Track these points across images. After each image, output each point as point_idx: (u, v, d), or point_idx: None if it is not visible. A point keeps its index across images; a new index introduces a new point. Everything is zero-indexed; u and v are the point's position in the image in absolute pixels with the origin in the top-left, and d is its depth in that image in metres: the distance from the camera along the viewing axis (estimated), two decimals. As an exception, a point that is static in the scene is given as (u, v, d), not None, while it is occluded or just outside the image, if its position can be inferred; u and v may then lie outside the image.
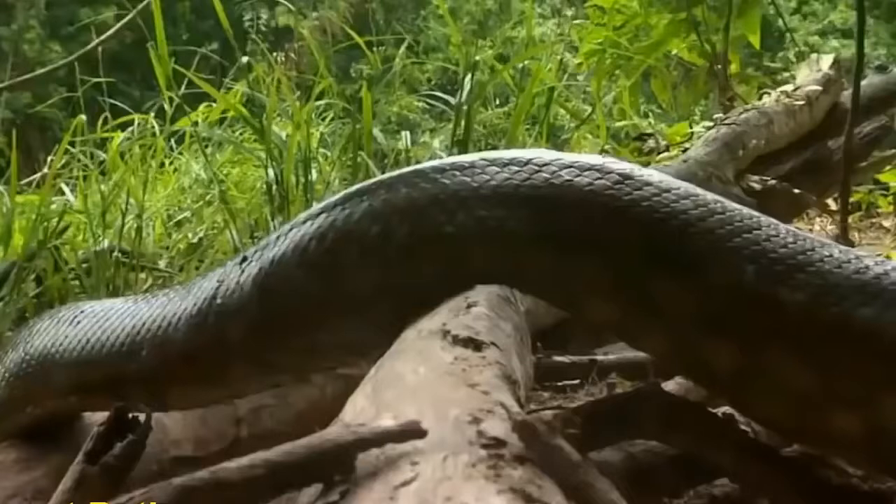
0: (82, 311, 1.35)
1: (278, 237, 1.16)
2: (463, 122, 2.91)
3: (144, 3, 3.94)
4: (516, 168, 1.07)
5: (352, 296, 1.09)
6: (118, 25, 4.85)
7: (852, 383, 0.95)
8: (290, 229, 1.15)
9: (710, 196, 1.04)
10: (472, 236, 1.04)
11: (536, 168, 1.06)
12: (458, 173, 1.08)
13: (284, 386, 1.39)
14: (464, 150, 2.78)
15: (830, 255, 0.99)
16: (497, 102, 4.29)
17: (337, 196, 1.15)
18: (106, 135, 3.33)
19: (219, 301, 1.16)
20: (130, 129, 3.40)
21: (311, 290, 1.11)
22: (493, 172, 1.07)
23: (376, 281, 1.08)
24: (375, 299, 1.09)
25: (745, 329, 0.98)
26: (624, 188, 1.02)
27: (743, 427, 1.25)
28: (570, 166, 1.05)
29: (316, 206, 1.17)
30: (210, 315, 1.16)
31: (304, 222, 1.14)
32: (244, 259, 1.18)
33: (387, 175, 1.16)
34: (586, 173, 1.04)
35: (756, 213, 1.05)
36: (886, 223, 4.41)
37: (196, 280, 1.27)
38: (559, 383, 2.13)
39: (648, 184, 1.03)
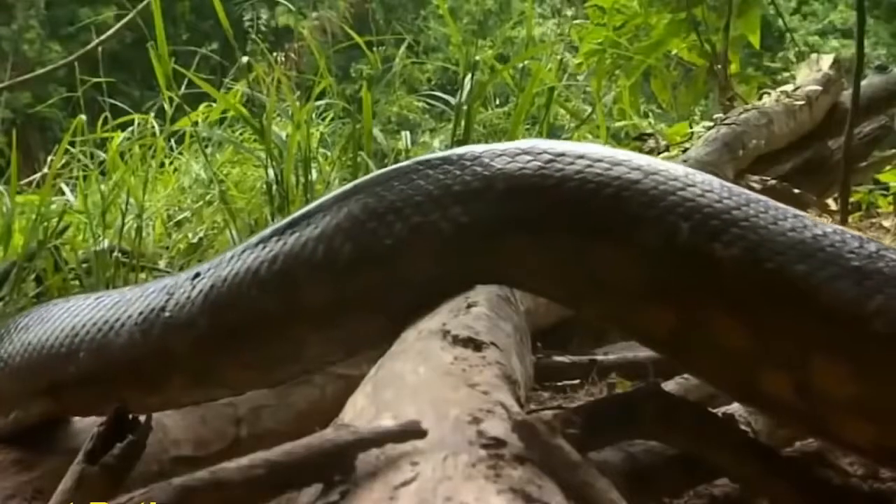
0: (38, 312, 1.37)
1: (231, 257, 1.18)
2: (463, 122, 2.91)
3: (144, 3, 3.95)
4: (449, 167, 1.08)
5: (305, 313, 1.12)
6: (118, 25, 4.85)
7: (785, 343, 0.94)
8: (244, 251, 1.17)
9: (643, 160, 1.05)
10: (411, 244, 1.06)
11: (468, 163, 1.07)
12: (396, 183, 1.10)
13: (233, 396, 1.40)
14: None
15: (766, 211, 0.98)
16: (497, 102, 4.29)
17: (285, 220, 1.18)
18: (106, 135, 3.33)
19: (167, 314, 1.18)
20: (130, 129, 3.40)
21: (264, 308, 1.13)
22: (427, 176, 1.08)
23: (328, 298, 1.10)
24: (328, 315, 1.11)
25: (682, 288, 0.98)
26: (556, 165, 1.03)
27: (743, 427, 1.25)
28: (502, 154, 1.07)
29: (267, 230, 1.20)
30: (157, 326, 1.19)
31: (257, 245, 1.16)
32: (197, 275, 1.20)
33: (330, 195, 1.18)
34: (518, 158, 1.05)
35: (691, 171, 1.05)
36: (886, 223, 4.40)
37: (147, 285, 1.28)
38: (559, 383, 2.13)
39: (581, 157, 1.04)
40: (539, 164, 1.04)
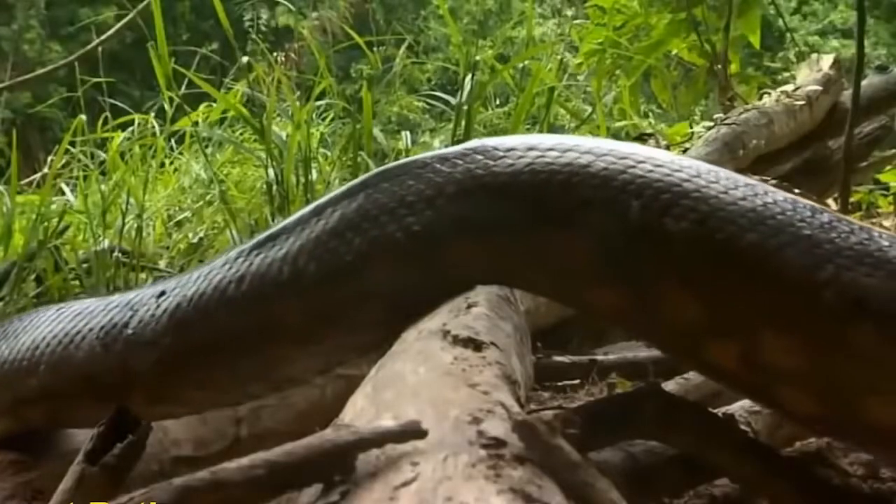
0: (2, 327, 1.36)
1: (198, 277, 1.18)
2: (463, 122, 2.91)
3: (144, 3, 3.94)
4: (403, 178, 1.09)
5: (276, 332, 1.12)
6: (118, 25, 4.85)
7: (735, 314, 0.94)
8: (210, 271, 1.17)
9: (592, 143, 1.05)
10: (369, 260, 1.07)
11: (419, 171, 1.08)
12: (347, 201, 1.11)
13: (193, 414, 1.40)
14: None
15: (717, 181, 0.97)
16: (497, 102, 4.29)
17: (252, 241, 1.19)
18: (106, 135, 3.33)
19: (130, 330, 1.18)
20: (130, 129, 3.40)
21: (233, 327, 1.14)
22: (385, 189, 1.09)
23: (300, 316, 1.10)
24: (302, 333, 1.11)
25: (635, 266, 0.98)
26: (506, 161, 1.04)
27: (743, 427, 1.25)
28: (451, 158, 1.07)
29: (232, 252, 1.20)
30: (119, 342, 1.18)
31: (223, 265, 1.17)
32: (162, 293, 1.20)
33: (292, 217, 1.18)
34: (468, 159, 1.06)
35: (638, 147, 1.05)
36: (886, 223, 4.40)
37: (110, 299, 1.27)
38: (559, 383, 2.13)
39: (531, 148, 1.04)
40: (490, 162, 1.04)
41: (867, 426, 0.94)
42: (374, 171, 1.17)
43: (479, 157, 1.06)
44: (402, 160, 1.15)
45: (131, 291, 1.30)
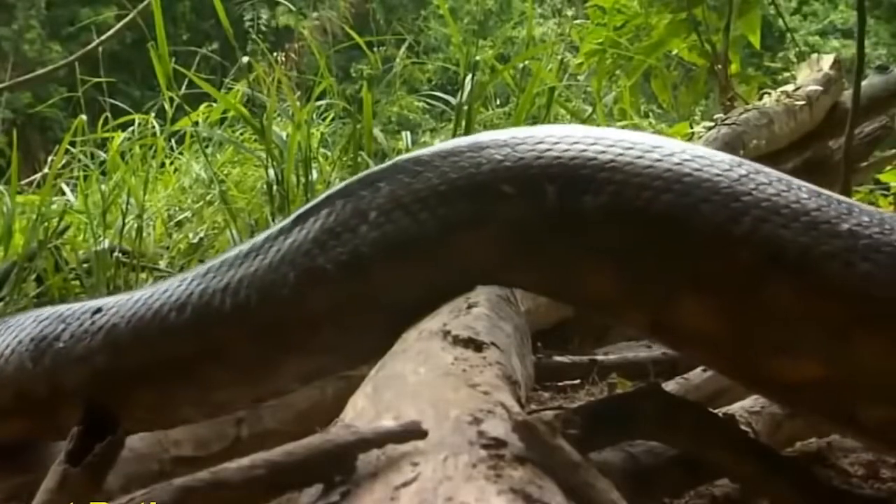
0: None
1: (137, 300, 1.17)
2: (463, 123, 2.91)
3: (145, 3, 3.94)
4: (327, 209, 1.09)
5: (215, 358, 1.12)
6: (119, 25, 4.85)
7: (652, 282, 0.94)
8: (151, 295, 1.17)
9: (506, 134, 1.04)
10: (302, 286, 1.08)
11: (346, 202, 1.08)
12: (283, 237, 1.11)
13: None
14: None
15: (631, 148, 0.96)
16: (497, 102, 4.29)
17: (195, 271, 1.19)
18: (106, 135, 3.33)
19: (60, 344, 1.17)
20: (131, 129, 3.40)
21: (171, 352, 1.14)
22: (327, 214, 1.09)
23: (240, 342, 1.11)
24: (240, 359, 1.12)
25: (553, 251, 0.98)
26: (425, 175, 1.04)
27: (743, 427, 1.25)
28: (369, 183, 1.08)
29: (175, 279, 1.20)
30: (48, 356, 1.18)
31: (164, 292, 1.16)
32: (98, 310, 1.19)
33: (245, 245, 1.18)
34: (390, 179, 1.07)
35: (554, 127, 1.05)
36: (887, 223, 4.39)
37: (41, 311, 1.26)
38: (559, 383, 2.13)
39: (450, 154, 1.04)
40: (408, 179, 1.05)
41: (777, 384, 0.94)
42: (302, 207, 1.17)
43: (400, 175, 1.06)
44: (327, 191, 1.16)
45: (62, 305, 1.28)
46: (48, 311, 1.25)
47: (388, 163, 1.12)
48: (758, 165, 0.97)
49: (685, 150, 0.95)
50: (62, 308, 1.24)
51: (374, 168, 1.15)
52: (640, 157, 0.94)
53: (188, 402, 1.18)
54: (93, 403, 1.04)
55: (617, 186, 0.93)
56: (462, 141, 1.09)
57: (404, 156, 1.12)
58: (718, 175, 0.92)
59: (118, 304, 1.19)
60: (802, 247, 0.87)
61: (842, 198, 0.94)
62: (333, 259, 1.05)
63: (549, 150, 0.98)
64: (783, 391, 0.96)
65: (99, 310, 1.19)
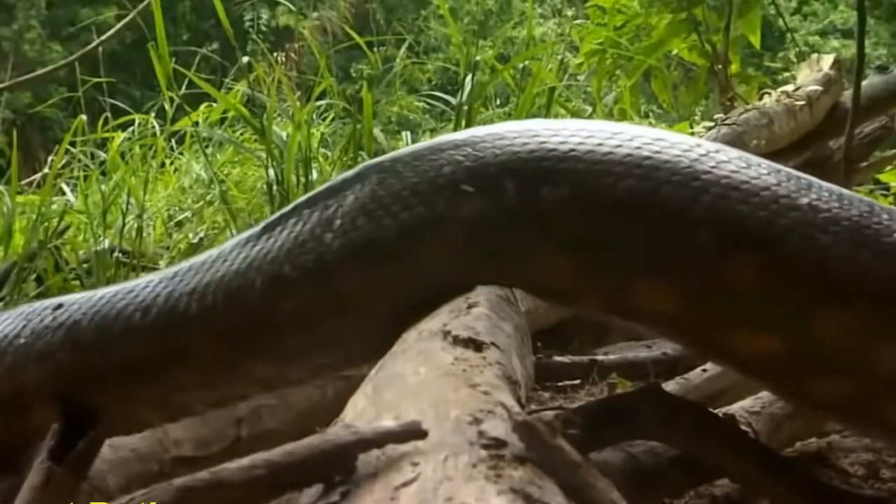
0: None
1: (101, 298, 1.16)
2: (463, 123, 2.91)
3: (145, 3, 3.95)
4: (294, 219, 1.09)
5: (179, 360, 1.12)
6: (119, 25, 4.85)
7: (610, 270, 0.94)
8: (115, 294, 1.16)
9: (464, 135, 1.04)
10: (274, 293, 1.07)
11: (333, 199, 1.08)
12: (250, 244, 1.11)
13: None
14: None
15: (591, 136, 0.96)
16: (498, 102, 4.29)
17: (162, 274, 1.18)
18: (106, 135, 3.33)
19: (22, 340, 1.16)
20: (131, 129, 3.40)
21: (133, 352, 1.13)
22: (294, 223, 1.09)
23: (204, 344, 1.10)
24: (204, 362, 1.11)
25: (517, 243, 0.98)
26: (389, 181, 1.04)
27: (743, 427, 1.25)
28: (334, 191, 1.08)
29: (141, 280, 1.19)
30: (8, 354, 1.17)
31: (129, 292, 1.15)
32: (59, 306, 1.18)
33: (214, 251, 1.18)
34: (356, 187, 1.06)
35: (513, 124, 1.04)
36: (887, 223, 4.39)
37: (5, 314, 1.25)
38: (560, 383, 2.14)
39: (411, 160, 1.04)
40: (372, 187, 1.05)
41: (733, 356, 0.94)
42: (270, 217, 1.17)
43: (365, 182, 1.06)
44: (295, 201, 1.15)
45: (26, 305, 1.27)
46: (8, 312, 1.24)
47: (354, 170, 1.12)
48: (718, 145, 0.97)
49: (645, 135, 0.96)
50: (24, 307, 1.23)
51: (340, 176, 1.14)
52: (600, 145, 0.94)
53: (148, 404, 1.17)
54: (69, 400, 1.03)
55: (578, 175, 0.93)
56: (423, 144, 1.09)
57: (369, 162, 1.12)
58: (678, 156, 0.92)
59: (80, 301, 1.18)
60: (762, 221, 0.88)
61: (801, 174, 0.94)
62: (300, 266, 1.05)
63: (508, 145, 0.98)
64: (739, 362, 0.97)
65: (60, 306, 1.18)
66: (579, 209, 0.94)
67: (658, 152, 0.92)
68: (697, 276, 0.90)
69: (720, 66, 3.60)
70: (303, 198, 1.15)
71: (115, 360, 1.14)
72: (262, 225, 1.14)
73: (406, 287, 1.02)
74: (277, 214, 1.14)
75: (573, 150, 0.95)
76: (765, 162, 0.94)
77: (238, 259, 1.10)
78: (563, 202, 0.94)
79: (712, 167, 0.91)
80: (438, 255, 1.01)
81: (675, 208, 0.89)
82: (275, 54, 5.10)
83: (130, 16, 4.42)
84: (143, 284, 1.16)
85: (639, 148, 0.93)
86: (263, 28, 8.62)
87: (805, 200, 0.89)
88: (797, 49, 5.62)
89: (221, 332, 1.10)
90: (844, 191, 0.93)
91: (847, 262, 0.86)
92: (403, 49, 3.82)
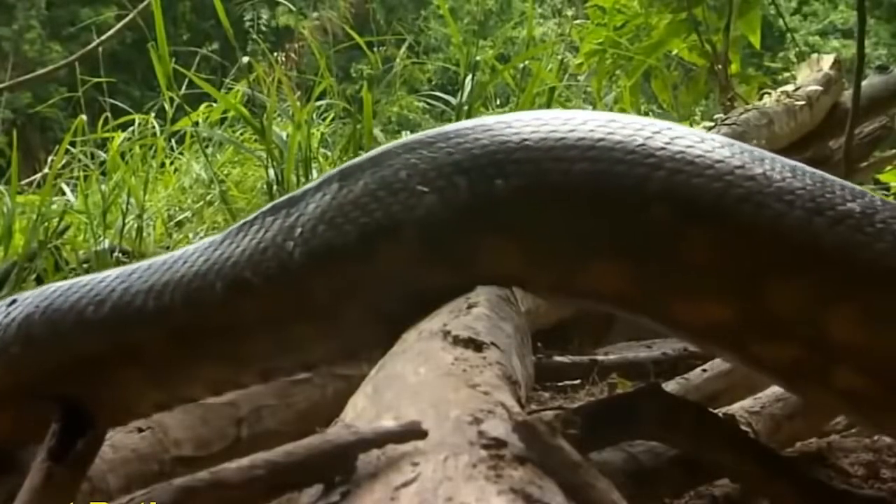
0: None
1: (54, 291, 1.16)
2: (463, 123, 2.91)
3: (145, 3, 3.95)
4: (275, 218, 1.08)
5: (134, 358, 1.11)
6: (119, 25, 4.85)
7: (560, 255, 0.94)
8: (69, 287, 1.15)
9: (421, 137, 1.04)
10: (233, 297, 1.06)
11: (295, 207, 1.07)
12: (211, 248, 1.10)
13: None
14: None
15: (546, 123, 0.96)
16: (498, 102, 4.29)
17: (119, 270, 1.17)
18: (106, 135, 3.34)
19: None
20: (131, 129, 3.41)
21: (86, 348, 1.12)
22: (256, 230, 1.08)
23: (159, 343, 1.09)
24: (158, 360, 1.10)
25: (469, 238, 0.98)
26: (348, 187, 1.04)
27: (743, 427, 1.25)
28: (297, 199, 1.08)
29: (98, 276, 1.18)
30: None
31: (84, 286, 1.14)
32: (13, 301, 1.18)
33: (176, 253, 1.17)
34: (323, 189, 1.06)
35: (469, 121, 1.04)
36: (887, 223, 4.39)
37: None
38: (560, 383, 2.14)
39: (376, 165, 1.04)
40: (340, 190, 1.04)
41: (682, 326, 0.95)
42: (234, 224, 1.16)
43: (326, 189, 1.06)
44: (260, 209, 1.15)
45: None
46: None
47: (318, 178, 1.12)
48: (670, 123, 0.97)
49: (598, 118, 0.96)
50: None
51: (305, 186, 1.14)
52: (553, 132, 0.95)
53: (95, 402, 1.14)
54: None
55: (531, 165, 0.93)
56: (382, 149, 1.09)
57: (333, 171, 1.12)
58: (631, 135, 0.92)
59: (34, 296, 1.17)
60: (717, 192, 0.88)
61: (756, 149, 0.94)
62: (261, 273, 1.05)
63: (462, 143, 0.99)
64: (688, 331, 0.97)
65: (14, 301, 1.17)
66: (533, 197, 0.94)
67: (611, 133, 0.93)
68: (652, 253, 0.90)
69: (720, 66, 3.60)
70: (266, 206, 1.14)
71: (68, 355, 1.12)
72: (225, 232, 1.14)
73: (367, 291, 1.02)
74: (241, 222, 1.14)
75: (526, 140, 0.95)
76: (717, 137, 0.95)
77: (199, 262, 1.10)
78: (515, 192, 0.94)
79: (665, 143, 0.91)
80: (399, 257, 1.00)
81: (629, 186, 0.89)
82: (275, 54, 5.10)
83: (130, 16, 4.42)
84: (98, 279, 1.15)
85: (592, 131, 0.93)
86: (263, 28, 8.63)
87: (759, 170, 0.89)
88: (797, 49, 5.62)
89: (175, 332, 1.08)
90: (798, 163, 0.93)
91: (801, 230, 0.87)
92: (403, 49, 3.82)
